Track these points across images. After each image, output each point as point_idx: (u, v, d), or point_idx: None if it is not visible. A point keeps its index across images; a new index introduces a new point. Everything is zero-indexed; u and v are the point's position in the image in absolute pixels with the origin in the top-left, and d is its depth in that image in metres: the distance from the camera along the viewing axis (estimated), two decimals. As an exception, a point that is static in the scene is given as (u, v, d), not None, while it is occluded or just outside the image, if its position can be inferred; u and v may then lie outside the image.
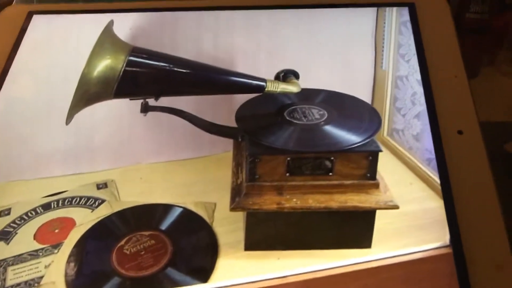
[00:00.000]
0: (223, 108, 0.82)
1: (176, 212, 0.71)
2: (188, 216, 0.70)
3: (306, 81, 0.73)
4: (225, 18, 0.84)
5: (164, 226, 0.68)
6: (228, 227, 0.67)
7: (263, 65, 0.84)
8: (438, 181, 0.61)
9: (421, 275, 0.58)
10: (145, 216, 0.71)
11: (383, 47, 0.83)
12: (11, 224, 0.71)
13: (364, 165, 0.64)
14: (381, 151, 0.64)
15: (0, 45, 0.81)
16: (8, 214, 0.73)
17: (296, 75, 0.74)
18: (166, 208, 0.72)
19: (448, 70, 0.71)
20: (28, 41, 0.81)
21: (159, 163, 0.84)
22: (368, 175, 0.64)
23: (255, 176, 0.65)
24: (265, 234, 0.64)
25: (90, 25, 0.79)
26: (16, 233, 0.69)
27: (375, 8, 0.84)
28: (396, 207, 0.62)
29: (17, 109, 0.80)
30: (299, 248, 0.63)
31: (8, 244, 0.67)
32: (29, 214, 0.73)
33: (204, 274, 0.60)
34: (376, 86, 0.83)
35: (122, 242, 0.65)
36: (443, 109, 0.66)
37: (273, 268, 0.60)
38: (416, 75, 0.79)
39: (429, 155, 0.76)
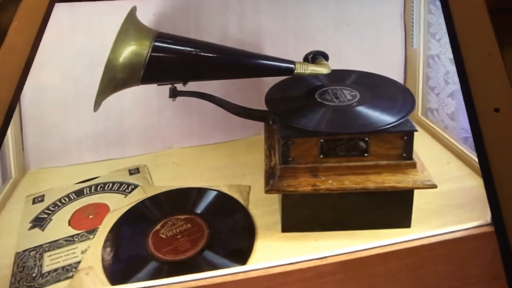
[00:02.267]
0: (251, 92, 0.81)
1: (211, 195, 0.71)
2: (222, 199, 0.70)
3: (336, 62, 0.72)
4: (250, 0, 0.83)
5: (199, 209, 0.68)
6: (264, 209, 0.67)
7: (291, 47, 0.83)
8: (476, 159, 0.60)
9: (463, 253, 0.57)
10: (179, 200, 0.71)
11: (412, 26, 0.82)
12: (45, 211, 0.71)
13: (399, 145, 0.63)
14: (416, 130, 0.63)
15: (24, 33, 0.81)
16: (42, 200, 0.73)
17: (325, 56, 0.73)
18: (200, 191, 0.72)
19: (481, 48, 0.70)
20: (52, 29, 0.80)
21: (190, 148, 0.84)
22: (404, 155, 0.63)
23: (288, 158, 0.64)
24: (302, 215, 0.63)
25: (113, 12, 0.78)
26: (51, 220, 0.69)
27: (403, -13, 0.82)
28: (434, 186, 0.61)
29: (45, 97, 0.80)
30: (337, 229, 0.63)
31: (43, 230, 0.67)
32: (62, 200, 0.73)
33: (242, 256, 0.60)
34: (408, 65, 0.82)
35: (158, 227, 0.65)
36: (478, 88, 0.65)
37: (311, 250, 0.59)
38: (448, 53, 0.78)
39: (465, 134, 0.75)
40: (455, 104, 0.76)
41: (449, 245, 0.58)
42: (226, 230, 0.65)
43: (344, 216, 0.63)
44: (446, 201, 0.65)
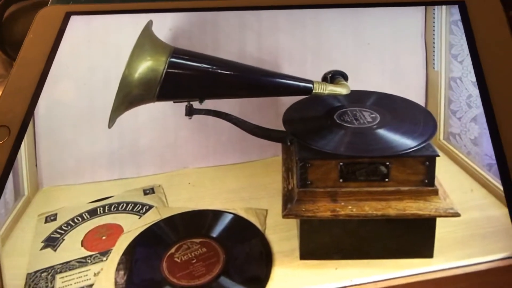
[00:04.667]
0: (268, 111, 0.80)
1: (227, 218, 0.69)
2: (239, 222, 0.68)
3: (355, 83, 0.71)
4: (268, 18, 0.82)
5: (215, 233, 0.66)
6: (281, 234, 0.65)
7: (309, 66, 0.82)
8: (501, 187, 0.59)
9: (488, 287, 0.55)
10: (195, 222, 0.69)
11: (433, 47, 0.81)
12: (58, 230, 0.69)
13: (421, 171, 0.62)
14: (438, 155, 0.61)
15: (38, 47, 0.80)
16: (54, 219, 0.72)
17: (344, 76, 0.72)
18: (216, 214, 0.70)
19: (504, 71, 0.68)
20: (66, 43, 0.80)
21: (206, 168, 0.82)
22: (426, 181, 0.62)
23: (306, 181, 0.63)
24: (321, 242, 0.62)
25: (129, 26, 0.78)
26: (63, 240, 0.68)
27: (423, 7, 0.81)
28: (457, 214, 0.59)
29: (59, 113, 0.79)
30: (357, 257, 0.61)
31: (55, 250, 0.66)
32: (75, 220, 0.71)
33: (259, 284, 0.58)
34: (429, 88, 0.81)
35: (172, 250, 0.64)
36: (502, 113, 0.64)
37: (331, 278, 0.58)
38: (470, 76, 0.76)
39: (490, 160, 0.73)
40: (479, 129, 0.74)
41: (474, 278, 0.56)
42: (243, 255, 0.63)
43: (364, 244, 0.62)
44: (470, 231, 0.63)
